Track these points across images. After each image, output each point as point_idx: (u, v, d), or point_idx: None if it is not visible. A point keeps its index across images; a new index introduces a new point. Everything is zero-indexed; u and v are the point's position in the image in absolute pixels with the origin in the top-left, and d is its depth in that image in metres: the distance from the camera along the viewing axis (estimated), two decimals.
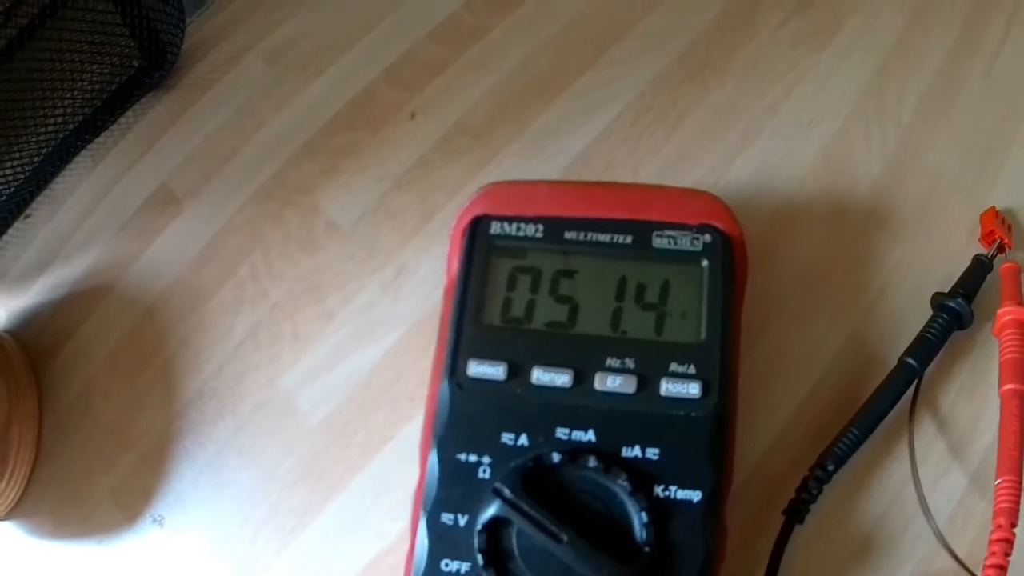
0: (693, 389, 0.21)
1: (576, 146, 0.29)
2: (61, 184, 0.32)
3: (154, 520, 0.26)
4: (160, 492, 0.26)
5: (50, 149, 0.32)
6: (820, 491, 0.23)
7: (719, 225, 0.23)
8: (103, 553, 0.26)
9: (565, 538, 0.19)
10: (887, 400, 0.24)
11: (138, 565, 0.26)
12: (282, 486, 0.26)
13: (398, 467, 0.25)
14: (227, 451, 0.26)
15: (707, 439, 0.21)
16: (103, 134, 0.32)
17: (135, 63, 0.33)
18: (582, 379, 0.21)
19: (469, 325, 0.22)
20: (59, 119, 0.32)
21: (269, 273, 0.28)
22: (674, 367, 0.21)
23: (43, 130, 0.32)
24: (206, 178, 0.30)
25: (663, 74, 0.30)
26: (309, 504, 0.25)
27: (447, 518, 0.20)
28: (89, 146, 0.32)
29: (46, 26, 0.30)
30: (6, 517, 0.27)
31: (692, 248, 0.22)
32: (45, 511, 0.27)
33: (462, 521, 0.20)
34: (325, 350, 0.27)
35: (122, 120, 0.32)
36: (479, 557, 0.20)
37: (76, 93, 0.32)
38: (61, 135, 0.32)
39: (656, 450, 0.20)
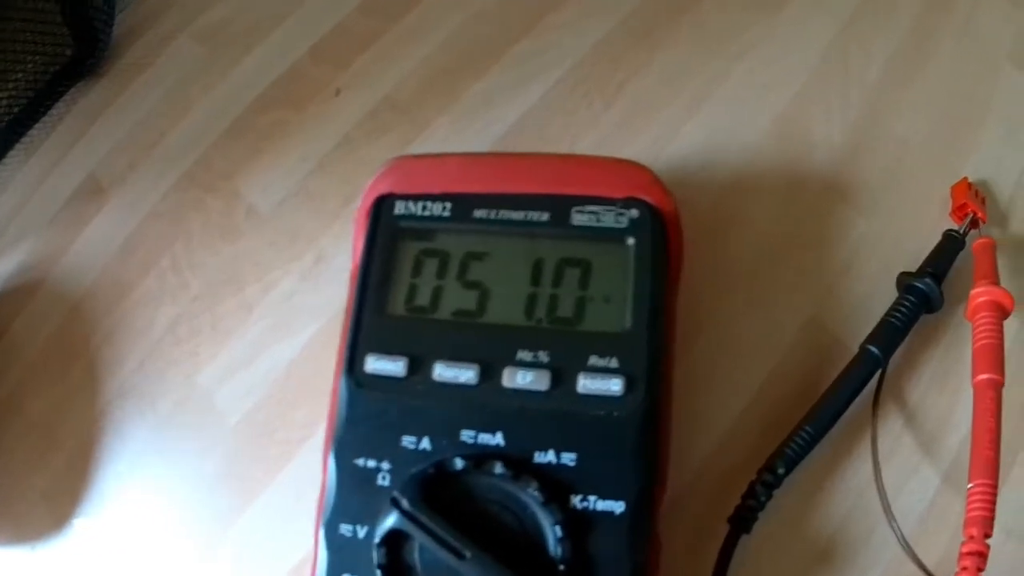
0: (615, 385, 0.17)
1: (509, 117, 0.25)
2: None
3: (75, 523, 0.23)
4: (86, 494, 0.23)
5: None
6: (769, 496, 0.19)
7: (648, 198, 0.18)
8: (35, 558, 0.23)
9: (468, 554, 0.16)
10: (846, 394, 0.20)
11: (68, 568, 0.23)
12: (203, 487, 0.22)
13: (319, 465, 0.22)
14: (149, 451, 0.23)
15: (631, 442, 0.17)
16: (36, 126, 0.29)
17: (68, 52, 0.29)
18: (489, 375, 0.17)
19: (370, 316, 0.18)
20: None
21: (190, 263, 0.25)
22: (593, 360, 0.17)
23: None
24: (132, 166, 0.27)
25: (604, 40, 0.26)
26: (230, 506, 0.22)
27: (346, 529, 0.17)
28: (23, 139, 0.29)
29: None
30: None
31: (617, 225, 0.18)
32: None
33: (361, 533, 0.17)
34: (243, 344, 0.24)
35: (54, 111, 0.29)
36: (377, 573, 0.16)
37: (13, 86, 0.29)
38: None
39: (572, 455, 0.17)
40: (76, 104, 0.29)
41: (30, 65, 0.29)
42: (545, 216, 0.18)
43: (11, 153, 0.29)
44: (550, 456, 0.17)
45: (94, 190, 0.27)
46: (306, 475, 0.22)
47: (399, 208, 0.19)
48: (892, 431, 0.21)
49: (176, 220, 0.26)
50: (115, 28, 0.29)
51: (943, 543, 0.20)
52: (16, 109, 0.29)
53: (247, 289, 0.24)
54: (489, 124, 0.25)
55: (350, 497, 0.17)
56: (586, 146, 0.24)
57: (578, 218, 0.18)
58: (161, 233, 0.26)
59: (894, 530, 0.20)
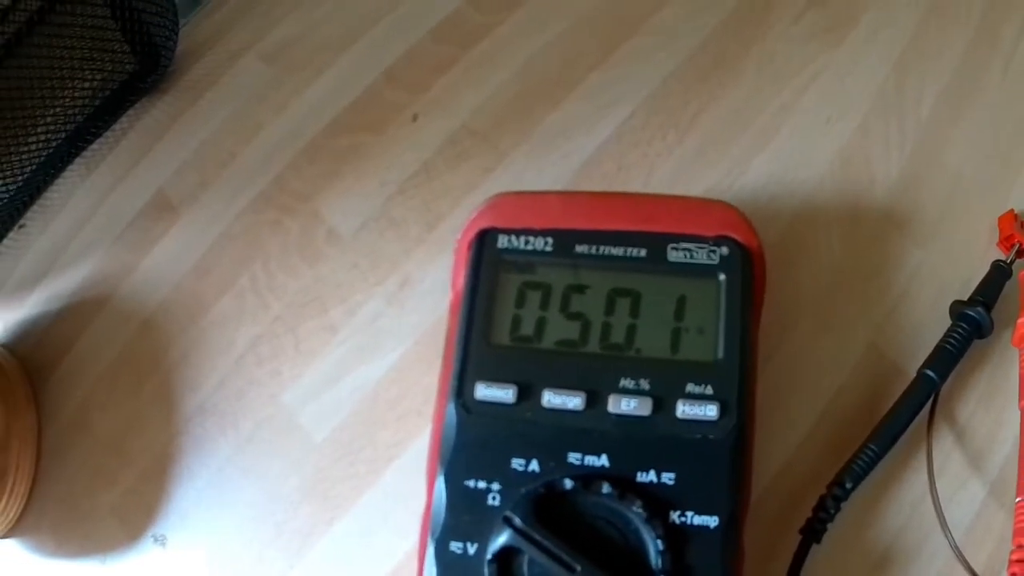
0: (711, 411, 0.19)
1: (587, 148, 0.27)
2: (56, 193, 0.30)
3: (155, 540, 0.25)
4: (162, 510, 0.25)
5: (44, 157, 0.30)
6: (838, 509, 0.22)
7: (737, 236, 0.21)
8: (106, 572, 0.25)
9: (579, 568, 0.18)
10: (906, 414, 0.23)
11: None
12: (287, 505, 0.24)
13: (406, 485, 0.24)
14: (230, 469, 0.25)
15: (725, 462, 0.19)
16: (97, 141, 0.30)
17: (129, 67, 0.30)
18: (595, 401, 0.20)
19: (476, 345, 0.20)
20: (53, 126, 0.30)
21: (269, 284, 0.27)
22: (691, 388, 0.20)
23: (37, 138, 0.30)
24: (203, 184, 0.29)
25: (675, 72, 0.28)
26: (315, 524, 0.24)
27: (456, 547, 0.19)
28: (83, 153, 0.30)
29: (40, 31, 0.28)
30: (7, 535, 0.26)
31: (709, 261, 0.21)
32: (46, 528, 0.26)
33: (471, 550, 0.19)
34: (328, 365, 0.25)
35: (116, 126, 0.30)
36: None
37: (70, 99, 0.30)
38: (55, 142, 0.30)
39: (672, 475, 0.19)
40: (140, 120, 0.30)
41: (88, 80, 0.30)
42: (642, 252, 0.21)
43: (71, 167, 0.31)
44: (651, 476, 0.19)
45: (164, 207, 0.29)
46: (393, 495, 0.24)
47: (502, 242, 0.21)
48: (943, 448, 0.23)
49: (253, 240, 0.27)
50: (178, 45, 0.31)
51: (988, 552, 0.22)
52: (73, 124, 0.31)
53: (331, 311, 0.26)
54: (567, 155, 0.27)
55: (460, 516, 0.19)
56: (662, 178, 0.26)
57: (673, 255, 0.21)
58: (238, 253, 0.27)
59: (949, 540, 0.22)
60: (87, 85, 0.30)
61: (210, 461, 0.25)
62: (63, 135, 0.30)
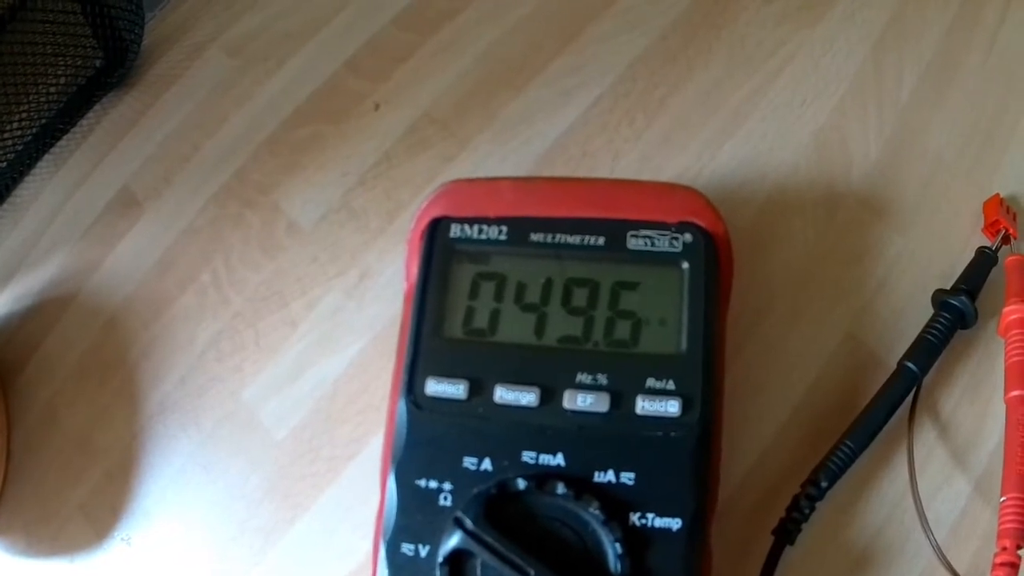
0: (672, 407, 0.18)
1: (551, 134, 0.25)
2: (25, 191, 0.29)
3: (122, 539, 0.23)
4: (127, 508, 0.24)
5: (14, 155, 0.29)
6: (812, 509, 0.20)
7: (700, 223, 0.19)
8: (74, 570, 0.24)
9: (532, 572, 0.16)
10: (885, 409, 0.21)
11: None
12: (248, 503, 0.23)
13: (366, 482, 0.22)
14: (192, 467, 0.24)
15: (688, 461, 0.17)
16: (65, 137, 0.29)
17: (96, 63, 0.29)
18: (550, 397, 0.18)
19: (428, 338, 0.19)
20: (23, 123, 0.29)
21: (231, 279, 0.25)
22: (651, 382, 0.18)
23: (6, 136, 0.29)
24: (167, 179, 0.27)
25: (643, 56, 0.26)
26: (276, 522, 0.23)
27: (407, 548, 0.17)
28: (51, 150, 0.29)
29: (8, 28, 0.27)
30: None
31: (671, 249, 0.19)
32: (18, 527, 0.25)
33: (423, 552, 0.17)
34: (288, 360, 0.24)
35: (83, 122, 0.29)
36: None
37: (38, 96, 0.29)
38: (24, 141, 0.29)
39: (631, 474, 0.17)
40: (106, 115, 0.29)
41: (57, 75, 0.29)
42: (601, 240, 0.19)
43: (39, 164, 0.29)
44: (609, 475, 0.17)
45: (128, 203, 0.27)
46: (354, 492, 0.22)
47: (455, 231, 0.19)
48: (926, 443, 0.22)
49: (215, 234, 0.26)
50: (144, 39, 0.29)
51: (973, 551, 0.20)
52: (43, 120, 0.29)
53: (291, 305, 0.24)
54: (530, 141, 0.25)
55: (412, 517, 0.18)
56: (629, 163, 0.24)
57: (633, 242, 0.19)
58: (200, 247, 0.26)
59: (929, 539, 0.20)
60: (56, 81, 0.29)
61: (173, 459, 0.24)
62: (33, 132, 0.29)
